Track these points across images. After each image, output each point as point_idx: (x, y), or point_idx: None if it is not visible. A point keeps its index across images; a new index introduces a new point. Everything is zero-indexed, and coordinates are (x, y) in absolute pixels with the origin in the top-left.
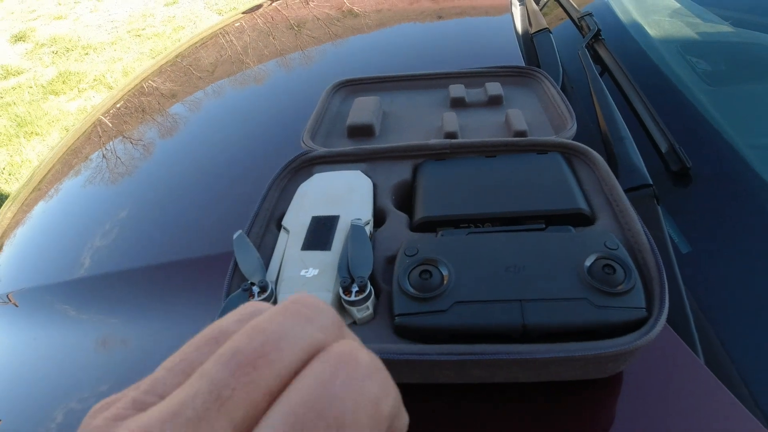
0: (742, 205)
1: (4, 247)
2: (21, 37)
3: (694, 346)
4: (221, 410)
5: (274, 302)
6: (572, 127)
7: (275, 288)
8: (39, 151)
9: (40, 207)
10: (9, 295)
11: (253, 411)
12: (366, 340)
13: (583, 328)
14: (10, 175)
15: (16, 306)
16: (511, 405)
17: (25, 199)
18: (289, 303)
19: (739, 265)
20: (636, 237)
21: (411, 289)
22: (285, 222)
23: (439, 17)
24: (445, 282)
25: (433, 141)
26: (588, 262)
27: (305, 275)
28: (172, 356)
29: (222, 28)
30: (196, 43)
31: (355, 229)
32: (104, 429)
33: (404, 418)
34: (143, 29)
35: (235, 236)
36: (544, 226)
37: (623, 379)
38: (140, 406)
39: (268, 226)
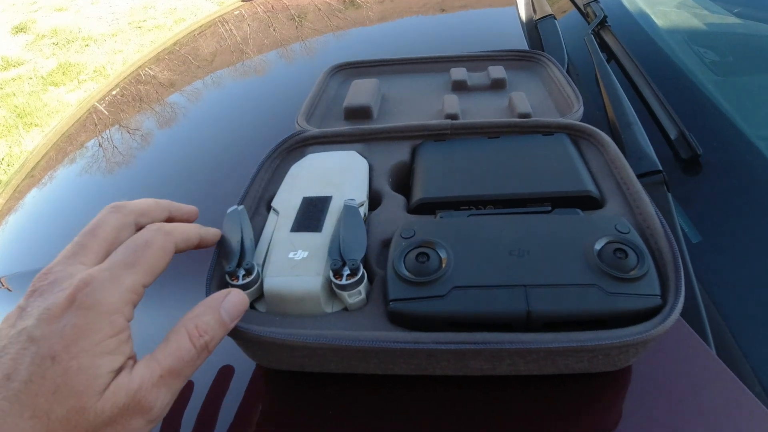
0: (754, 194)
1: None
2: (22, 29)
3: (706, 338)
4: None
5: (260, 285)
6: (579, 110)
7: (262, 270)
8: (38, 142)
9: (33, 193)
10: (2, 280)
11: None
12: (358, 328)
13: (593, 316)
14: (9, 166)
15: (10, 291)
16: (511, 399)
17: (18, 186)
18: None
19: (751, 256)
20: (648, 221)
21: (406, 273)
22: (275, 203)
23: (442, 10)
24: (443, 266)
25: (433, 121)
26: (598, 246)
27: (294, 257)
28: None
29: (221, 16)
30: (193, 31)
31: (348, 210)
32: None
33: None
34: (144, 21)
35: (229, 211)
36: (550, 208)
37: (632, 372)
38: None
39: (257, 208)
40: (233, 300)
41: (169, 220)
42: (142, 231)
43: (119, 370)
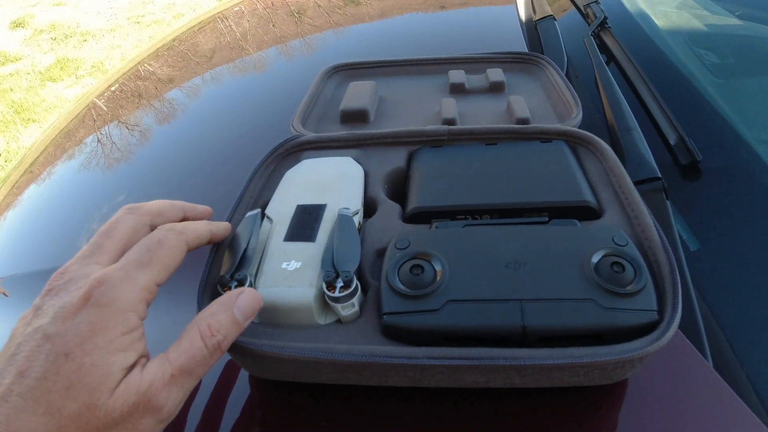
0: (754, 201)
1: None
2: (20, 23)
3: (703, 350)
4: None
5: None
6: (577, 116)
7: (254, 281)
8: (36, 138)
9: (32, 190)
10: None
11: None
12: (352, 341)
13: (589, 331)
14: (6, 161)
15: (6, 295)
16: (507, 409)
17: (16, 182)
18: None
19: (750, 264)
20: (646, 232)
21: (400, 286)
22: (268, 211)
23: (442, 6)
24: (438, 278)
25: (429, 127)
26: (595, 259)
27: (287, 268)
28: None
29: (220, 12)
30: (193, 27)
31: (342, 219)
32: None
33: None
34: (143, 16)
35: (248, 215)
36: (547, 219)
37: (628, 385)
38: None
39: None
40: (247, 299)
41: (184, 220)
42: (154, 231)
43: (131, 368)
